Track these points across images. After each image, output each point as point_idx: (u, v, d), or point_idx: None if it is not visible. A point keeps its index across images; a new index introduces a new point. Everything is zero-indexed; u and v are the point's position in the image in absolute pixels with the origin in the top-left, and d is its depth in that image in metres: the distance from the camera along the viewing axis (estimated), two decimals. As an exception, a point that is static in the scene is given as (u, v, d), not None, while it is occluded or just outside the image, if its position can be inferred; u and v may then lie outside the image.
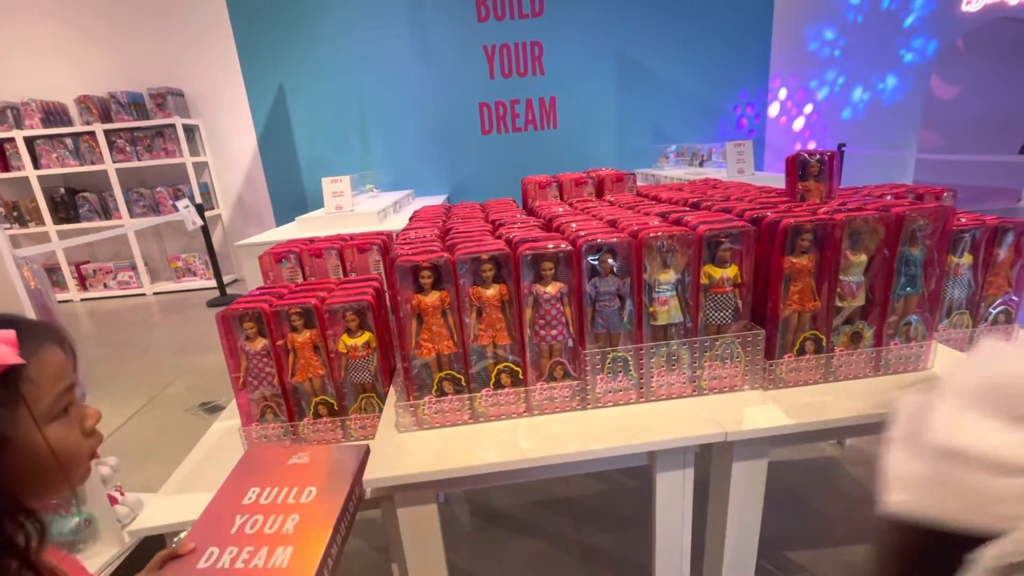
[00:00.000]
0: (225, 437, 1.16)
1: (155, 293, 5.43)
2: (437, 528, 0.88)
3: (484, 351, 0.92)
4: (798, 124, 5.69)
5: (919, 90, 5.65)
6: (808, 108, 5.67)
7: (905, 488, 0.21)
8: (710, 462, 0.97)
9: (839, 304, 0.94)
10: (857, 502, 1.74)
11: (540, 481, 1.88)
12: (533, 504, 1.84)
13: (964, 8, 5.33)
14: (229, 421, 1.20)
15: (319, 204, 4.20)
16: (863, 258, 0.93)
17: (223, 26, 4.91)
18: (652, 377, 0.94)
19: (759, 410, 0.90)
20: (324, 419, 1.07)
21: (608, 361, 0.93)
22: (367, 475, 0.81)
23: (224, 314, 1.03)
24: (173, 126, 5.07)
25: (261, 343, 1.04)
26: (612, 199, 1.37)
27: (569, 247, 0.87)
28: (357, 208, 3.67)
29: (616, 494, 1.87)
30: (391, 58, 4.99)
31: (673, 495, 0.91)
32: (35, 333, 0.53)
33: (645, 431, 0.87)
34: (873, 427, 0.93)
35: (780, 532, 1.62)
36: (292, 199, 5.21)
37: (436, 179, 5.42)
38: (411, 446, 0.89)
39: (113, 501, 1.52)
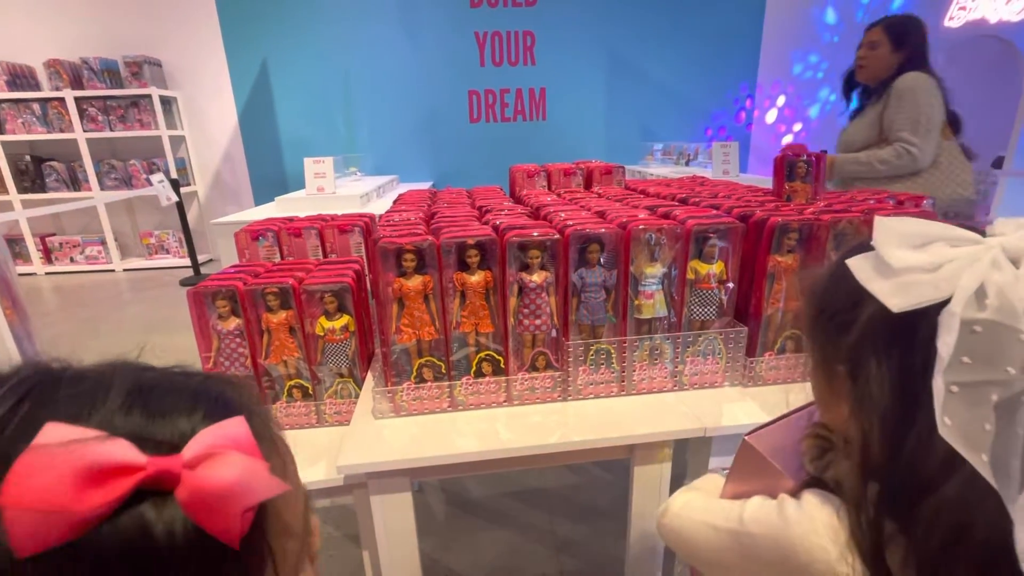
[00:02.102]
0: (193, 419, 1.12)
1: (125, 270, 5.25)
2: (411, 516, 0.87)
3: (466, 338, 0.90)
4: (771, 117, 5.75)
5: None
6: (782, 101, 5.73)
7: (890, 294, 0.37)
8: (686, 456, 0.98)
9: (821, 304, 0.95)
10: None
11: (515, 472, 1.89)
12: (507, 495, 1.84)
13: (946, 24, 5.45)
14: (198, 402, 1.16)
15: (300, 185, 4.10)
16: (846, 260, 0.94)
17: (206, -4, 4.73)
18: (634, 371, 0.94)
19: (738, 406, 0.91)
20: (298, 403, 1.04)
21: (591, 353, 0.92)
22: (341, 461, 0.79)
23: (196, 291, 0.99)
24: (149, 97, 4.88)
25: (234, 322, 1.01)
26: (600, 191, 1.36)
27: (557, 235, 0.86)
28: (340, 191, 3.60)
29: (591, 486, 1.88)
30: (380, 40, 4.88)
31: (650, 488, 0.91)
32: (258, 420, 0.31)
33: (625, 424, 0.86)
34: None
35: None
36: (272, 179, 5.08)
37: (422, 165, 5.35)
38: (387, 432, 0.87)
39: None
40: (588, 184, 1.49)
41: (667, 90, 5.34)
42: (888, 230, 0.38)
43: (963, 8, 5.34)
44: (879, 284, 0.37)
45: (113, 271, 5.20)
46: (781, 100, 5.70)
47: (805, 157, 1.18)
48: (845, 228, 0.92)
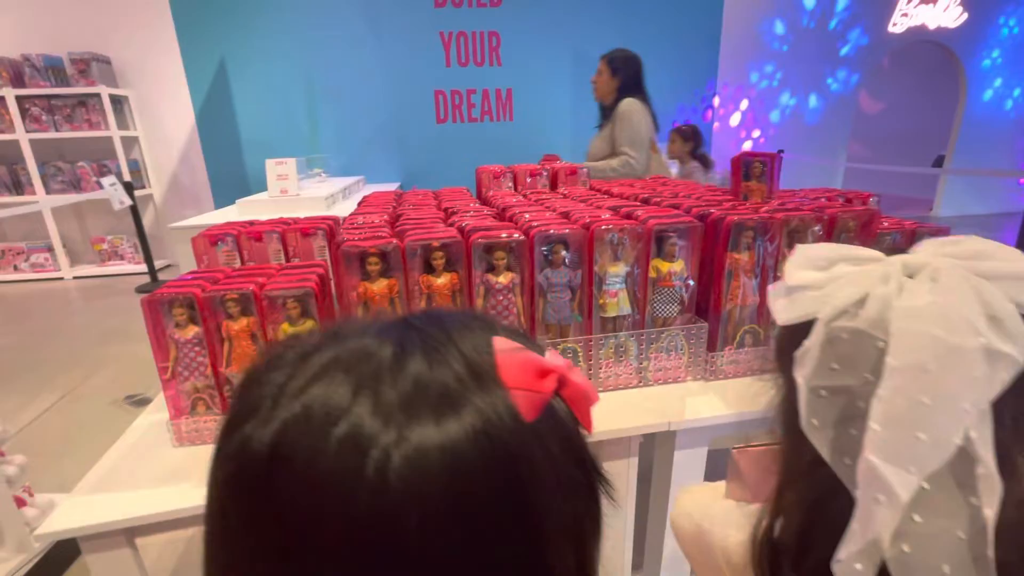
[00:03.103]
0: (151, 432, 1.08)
1: (75, 277, 5.00)
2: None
3: (433, 341, 0.90)
4: (735, 120, 5.94)
5: (844, 111, 6.05)
6: (743, 103, 5.93)
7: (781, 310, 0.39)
8: (652, 452, 1.00)
9: (776, 299, 0.99)
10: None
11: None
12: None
13: (890, 30, 5.74)
14: (156, 415, 1.11)
15: (262, 187, 3.99)
16: (799, 256, 0.98)
17: (157, -10, 4.55)
18: (601, 368, 0.96)
19: (700, 400, 0.94)
20: (262, 411, 1.02)
21: (558, 352, 0.93)
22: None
23: (151, 299, 0.95)
24: (98, 96, 4.67)
25: (193, 331, 0.97)
26: (565, 192, 1.38)
27: (522, 237, 0.86)
28: (304, 193, 3.53)
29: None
30: (343, 39, 4.80)
31: (617, 484, 0.93)
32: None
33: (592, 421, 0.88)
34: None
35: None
36: (233, 181, 4.93)
37: (388, 166, 5.28)
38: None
39: (21, 503, 1.39)
40: (554, 185, 1.51)
41: (632, 91, 5.43)
42: (800, 254, 0.40)
43: (905, 15, 5.64)
44: (777, 303, 0.39)
45: (62, 279, 4.94)
46: (744, 104, 5.90)
47: (760, 158, 1.22)
48: (797, 225, 0.97)
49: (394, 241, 0.83)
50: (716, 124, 5.90)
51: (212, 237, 1.20)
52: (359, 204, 1.35)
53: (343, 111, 5.04)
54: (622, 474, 0.92)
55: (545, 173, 1.49)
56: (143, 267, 4.76)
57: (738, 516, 0.50)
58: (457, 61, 5.09)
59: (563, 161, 1.76)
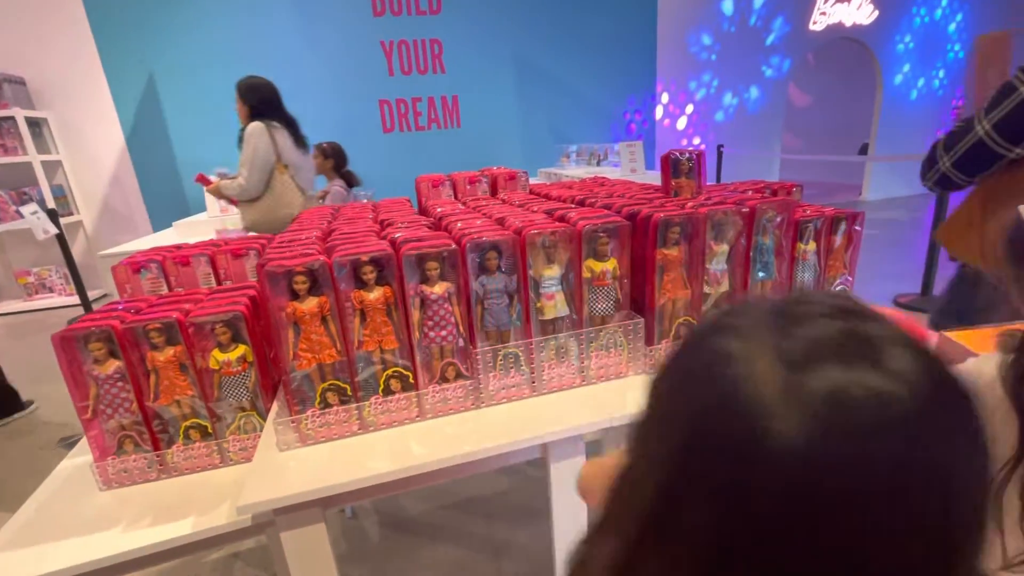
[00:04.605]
0: (76, 476, 1.01)
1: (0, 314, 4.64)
2: (327, 548, 0.83)
3: (371, 357, 0.88)
4: (681, 123, 6.17)
5: (779, 98, 6.38)
6: (689, 107, 6.17)
7: None
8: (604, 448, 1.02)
9: (706, 291, 1.03)
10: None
11: (449, 483, 1.87)
12: (443, 508, 1.82)
13: (811, 27, 6.09)
14: (80, 457, 1.04)
15: (202, 208, 3.83)
16: (725, 248, 1.02)
17: (74, 5, 4.29)
18: (543, 371, 0.96)
19: (641, 394, 0.96)
20: (197, 444, 0.97)
21: (500, 358, 0.93)
22: (242, 500, 0.75)
23: (63, 335, 0.89)
24: (13, 119, 4.36)
25: (113, 365, 0.92)
26: (505, 197, 1.39)
27: (454, 246, 0.86)
28: (323, 201, 3.41)
29: (524, 487, 1.90)
30: (279, 50, 4.67)
31: (567, 483, 0.94)
32: None
33: (536, 424, 0.88)
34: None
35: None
36: (170, 202, 4.69)
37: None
38: (293, 464, 0.83)
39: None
40: (494, 191, 1.51)
41: (574, 94, 5.54)
42: None
43: (823, 13, 6.01)
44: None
45: (-18, 318, 4.58)
46: (689, 108, 6.14)
47: (688, 155, 1.27)
48: (721, 219, 1.01)
49: (320, 258, 0.81)
50: (667, 121, 6.10)
51: (134, 265, 1.14)
52: (293, 221, 1.31)
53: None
54: (572, 473, 0.93)
55: (484, 180, 1.50)
56: (75, 299, 4.46)
57: None
58: (400, 70, 5.05)
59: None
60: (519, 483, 1.91)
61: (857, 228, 1.35)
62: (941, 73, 6.97)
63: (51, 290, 4.86)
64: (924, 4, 6.63)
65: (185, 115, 4.64)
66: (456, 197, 1.48)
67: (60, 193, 4.82)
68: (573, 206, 1.14)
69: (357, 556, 1.63)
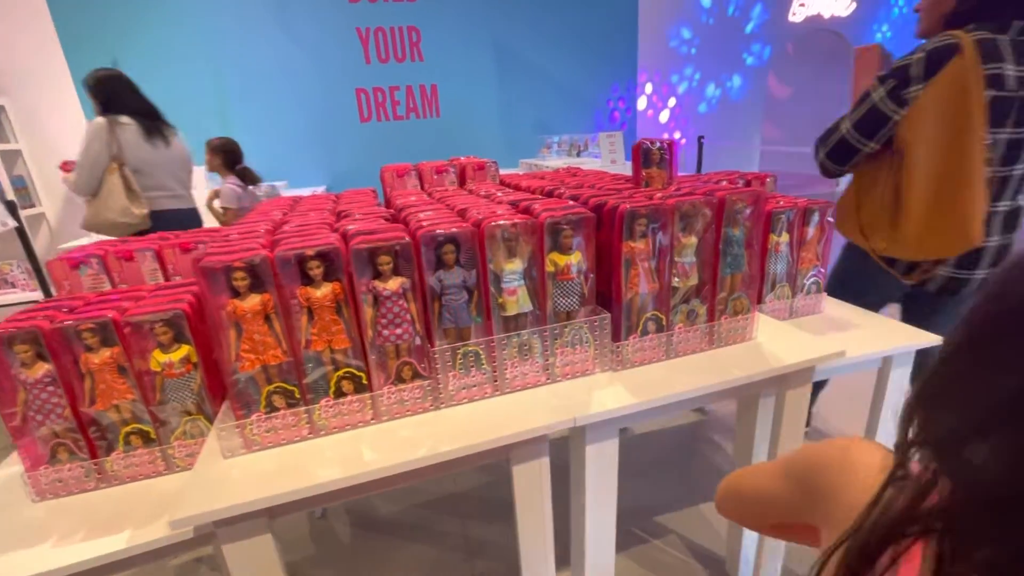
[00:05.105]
0: (6, 487, 0.94)
1: (-43, 311, 4.44)
2: (274, 560, 0.79)
3: (320, 358, 0.83)
4: (664, 116, 6.16)
5: (760, 86, 6.40)
6: (671, 101, 6.15)
7: None
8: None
9: (675, 285, 0.99)
10: (716, 463, 1.92)
11: (424, 481, 1.83)
12: (417, 506, 1.78)
13: (790, 19, 6.10)
14: (13, 467, 0.98)
15: (169, 199, 3.68)
16: (694, 240, 0.99)
17: (29, -14, 4.09)
18: (506, 369, 0.92)
19: (607, 392, 0.93)
20: (139, 450, 0.91)
21: (459, 357, 0.89)
22: (176, 513, 0.70)
23: (-16, 337, 0.83)
24: (-34, 107, 4.15)
25: (42, 369, 0.86)
26: (472, 188, 1.34)
27: (407, 239, 0.81)
28: (216, 201, 3.28)
29: (501, 483, 1.87)
30: (251, 37, 4.52)
31: (531, 485, 0.91)
32: None
33: (498, 426, 0.85)
34: (712, 397, 1.00)
35: (651, 499, 1.73)
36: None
37: (313, 169, 5.05)
38: (237, 472, 0.78)
39: None
40: (462, 181, 1.46)
41: (555, 83, 5.48)
42: None
43: (802, 4, 6.02)
44: None
45: (-60, 315, 4.37)
46: (672, 101, 6.11)
47: (659, 144, 1.23)
48: (690, 210, 0.97)
49: (262, 253, 0.76)
50: (650, 112, 6.07)
51: (72, 260, 1.07)
52: (251, 212, 1.25)
53: (259, 113, 4.76)
54: (535, 476, 0.90)
55: (452, 170, 1.45)
56: (38, 294, 4.29)
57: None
58: (377, 58, 4.93)
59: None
60: (496, 479, 1.88)
61: (829, 219, 1.34)
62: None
63: (13, 285, 4.66)
64: (901, -3, 6.69)
65: (153, 100, 4.47)
66: (422, 187, 1.43)
67: (21, 184, 4.62)
68: (540, 197, 1.10)
69: (326, 558, 1.59)
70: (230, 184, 2.95)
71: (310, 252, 0.78)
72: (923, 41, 1.25)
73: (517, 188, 1.36)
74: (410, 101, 5.13)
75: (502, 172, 1.49)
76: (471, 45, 5.10)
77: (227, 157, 3.05)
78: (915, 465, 0.38)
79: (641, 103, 6.04)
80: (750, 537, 1.29)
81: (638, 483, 1.80)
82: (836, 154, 1.38)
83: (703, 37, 6.05)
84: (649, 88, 6.02)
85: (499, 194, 1.20)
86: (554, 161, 4.61)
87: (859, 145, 1.32)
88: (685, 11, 5.96)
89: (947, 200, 1.21)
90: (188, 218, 2.65)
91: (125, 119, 2.34)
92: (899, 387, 1.27)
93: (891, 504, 0.37)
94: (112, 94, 2.36)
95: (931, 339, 1.21)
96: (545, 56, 5.35)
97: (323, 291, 0.80)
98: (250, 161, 4.85)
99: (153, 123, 2.46)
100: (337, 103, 4.93)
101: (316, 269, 0.78)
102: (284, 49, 4.64)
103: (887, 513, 0.36)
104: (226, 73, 4.56)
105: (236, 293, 0.78)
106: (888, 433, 1.31)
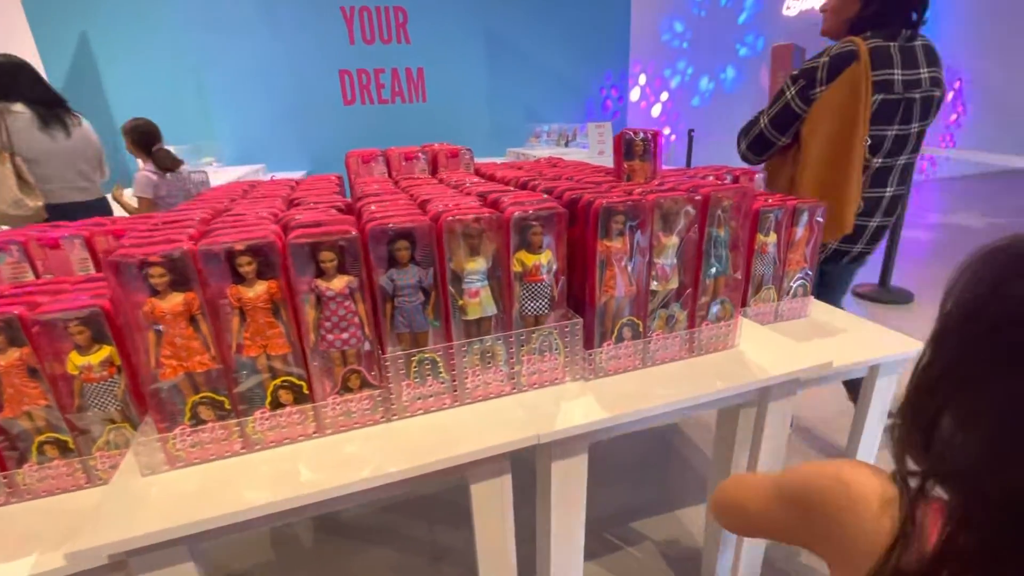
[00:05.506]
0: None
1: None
2: (197, 590, 0.70)
3: (255, 365, 0.74)
4: (656, 111, 6.07)
5: (754, 80, 6.33)
6: (664, 95, 6.07)
7: None
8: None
9: (654, 288, 0.92)
10: (694, 466, 1.87)
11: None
12: (383, 510, 1.70)
13: (784, 12, 6.03)
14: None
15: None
16: (675, 240, 0.91)
17: (-12, -50, 3.86)
18: (466, 378, 0.84)
19: (577, 405, 0.85)
20: (55, 462, 0.82)
21: (414, 364, 0.81)
22: (77, 543, 0.61)
23: None
24: (-79, 76, 3.91)
25: (-62, 371, 0.76)
26: (443, 177, 1.25)
27: (354, 233, 0.72)
28: (127, 192, 3.12)
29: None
30: (231, 14, 4.33)
31: (491, 505, 0.83)
32: None
33: (454, 441, 0.77)
34: (691, 410, 0.93)
35: (625, 503, 1.68)
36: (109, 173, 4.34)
37: (294, 152, 4.89)
38: (156, 491, 0.69)
39: None
40: (435, 169, 1.37)
41: (547, 70, 5.35)
42: None
43: (796, -2, 5.96)
44: None
45: None
46: (664, 96, 6.02)
47: (642, 135, 1.15)
48: (671, 207, 0.89)
49: (182, 247, 0.66)
50: (643, 104, 5.98)
51: (-12, 247, 0.96)
52: (194, 198, 1.14)
53: (238, 93, 4.58)
54: (494, 495, 0.82)
55: (423, 157, 1.35)
56: (1, 277, 4.11)
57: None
58: (362, 38, 4.76)
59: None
60: (465, 481, 1.80)
61: (819, 219, 1.27)
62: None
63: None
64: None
65: (124, 78, 4.28)
66: (390, 175, 1.33)
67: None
68: (512, 189, 1.01)
69: (287, 565, 1.51)
70: (144, 171, 2.61)
71: (240, 247, 0.68)
72: (828, 41, 1.43)
73: (492, 178, 1.27)
74: (395, 85, 4.97)
75: (487, 160, 1.41)
76: (459, 28, 4.95)
77: (139, 139, 2.70)
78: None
79: (634, 94, 5.95)
80: (727, 544, 1.23)
81: (612, 487, 1.74)
82: (755, 146, 1.52)
83: (695, 30, 5.95)
84: (643, 79, 5.93)
85: (470, 184, 1.11)
86: (542, 150, 4.51)
87: (773, 139, 1.46)
88: (677, 5, 5.85)
89: (828, 192, 1.38)
90: (96, 211, 2.49)
91: (18, 107, 2.23)
92: (884, 396, 1.21)
93: (903, 559, 0.37)
94: (10, 82, 2.24)
95: (917, 345, 1.15)
96: (536, 42, 5.22)
97: (256, 290, 0.71)
98: (226, 143, 4.70)
99: (51, 112, 2.32)
100: (320, 85, 4.77)
101: (247, 266, 0.69)
102: (264, 27, 4.45)
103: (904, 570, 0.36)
104: (202, 50, 4.37)
105: (155, 291, 0.68)
106: (873, 438, 1.26)
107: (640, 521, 1.61)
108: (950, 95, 7.30)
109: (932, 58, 1.38)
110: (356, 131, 4.90)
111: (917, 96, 1.36)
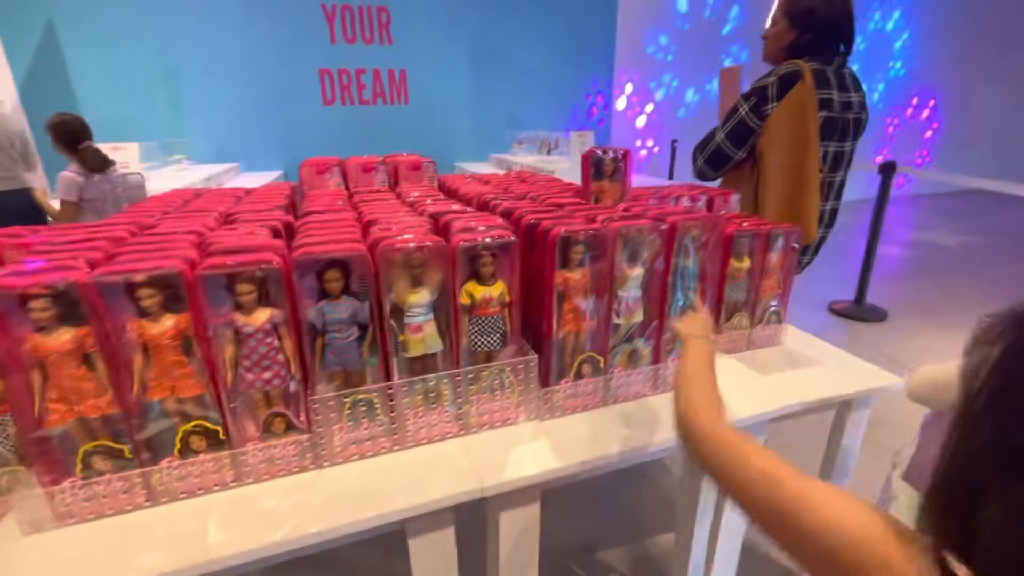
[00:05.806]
0: None
1: None
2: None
3: (162, 407, 0.66)
4: (640, 122, 6.07)
5: (740, 88, 6.36)
6: (649, 107, 6.06)
7: None
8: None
9: (616, 322, 0.85)
10: (663, 492, 1.81)
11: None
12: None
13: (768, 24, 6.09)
14: None
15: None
16: (640, 271, 0.85)
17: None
18: (408, 420, 0.77)
19: (528, 450, 0.78)
20: (-64, 510, 0.72)
21: (347, 406, 0.73)
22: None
23: None
24: None
25: None
26: (401, 191, 1.17)
27: (275, 263, 0.65)
28: (154, 184, 3.01)
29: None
30: (209, 7, 4.19)
31: (431, 561, 0.75)
32: None
33: (389, 493, 0.69)
34: (653, 454, 0.87)
35: (590, 533, 1.61)
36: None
37: (270, 152, 4.75)
38: (35, 557, 0.60)
39: None
40: (396, 182, 1.29)
41: (531, 76, 5.30)
42: None
43: (781, 12, 6.02)
44: None
45: None
46: (650, 107, 6.02)
47: (612, 154, 1.09)
48: (636, 236, 0.83)
49: (70, 278, 0.58)
50: (629, 113, 5.96)
51: None
52: (126, 211, 1.05)
53: (212, 90, 4.43)
54: (435, 551, 0.75)
55: (383, 168, 1.27)
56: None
57: None
58: (343, 38, 4.66)
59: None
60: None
61: (795, 245, 1.22)
62: (881, 86, 7.16)
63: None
64: (880, 8, 6.74)
65: (91, 69, 4.10)
66: (347, 187, 1.25)
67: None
68: (468, 211, 0.94)
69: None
70: (68, 172, 2.34)
71: (140, 277, 0.60)
72: (769, 65, 1.51)
73: (454, 194, 1.20)
74: (377, 86, 4.88)
75: (469, 164, 1.34)
76: (443, 29, 4.88)
77: (62, 136, 2.41)
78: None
79: (620, 103, 5.93)
80: (696, 570, 1.17)
81: (575, 515, 1.67)
82: (712, 161, 1.54)
83: (680, 43, 5.97)
84: (629, 88, 5.91)
85: (429, 201, 1.04)
86: (524, 158, 4.45)
87: (731, 153, 1.49)
88: (662, 18, 5.86)
89: (792, 201, 1.45)
90: (16, 203, 2.41)
91: None
92: (857, 430, 1.17)
93: None
94: None
95: (892, 380, 1.11)
96: (521, 47, 5.17)
97: (163, 326, 0.62)
98: (199, 140, 4.55)
99: None
100: (299, 84, 4.65)
101: (149, 299, 0.61)
102: (242, 21, 4.32)
103: None
104: (178, 41, 4.23)
105: (40, 327, 0.60)
106: (843, 474, 1.22)
107: (607, 551, 1.55)
108: (925, 113, 7.46)
109: (857, 85, 1.50)
110: (335, 132, 4.79)
111: (850, 117, 1.48)
